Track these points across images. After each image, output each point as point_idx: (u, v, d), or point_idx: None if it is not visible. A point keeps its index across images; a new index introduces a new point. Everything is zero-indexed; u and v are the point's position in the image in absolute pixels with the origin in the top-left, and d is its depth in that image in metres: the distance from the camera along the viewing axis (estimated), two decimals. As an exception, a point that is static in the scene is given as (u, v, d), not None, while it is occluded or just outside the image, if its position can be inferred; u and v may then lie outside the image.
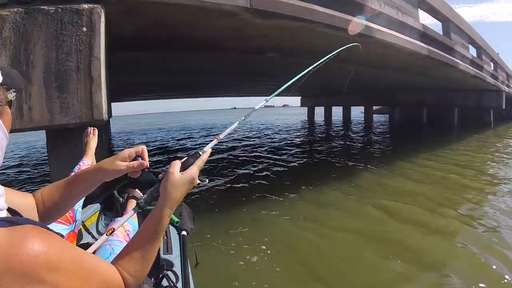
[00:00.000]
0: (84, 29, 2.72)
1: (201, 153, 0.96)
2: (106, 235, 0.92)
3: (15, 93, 0.70)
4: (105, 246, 1.54)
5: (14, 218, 0.61)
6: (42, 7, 2.66)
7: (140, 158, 0.96)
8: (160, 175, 0.93)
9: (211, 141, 1.05)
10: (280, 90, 1.38)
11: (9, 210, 0.66)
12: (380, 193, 5.39)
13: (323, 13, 4.66)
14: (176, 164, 0.90)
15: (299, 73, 1.49)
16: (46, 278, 0.52)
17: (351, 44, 2.08)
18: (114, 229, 0.92)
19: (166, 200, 0.84)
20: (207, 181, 0.99)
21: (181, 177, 0.87)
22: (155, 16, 3.77)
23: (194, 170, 0.90)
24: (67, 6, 2.70)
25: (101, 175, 0.95)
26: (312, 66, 1.55)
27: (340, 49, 1.83)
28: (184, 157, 0.97)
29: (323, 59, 1.62)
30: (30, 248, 0.51)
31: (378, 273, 2.96)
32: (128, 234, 1.72)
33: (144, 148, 0.97)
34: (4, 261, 0.48)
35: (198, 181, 0.91)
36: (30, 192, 0.97)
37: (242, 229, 3.95)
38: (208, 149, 0.99)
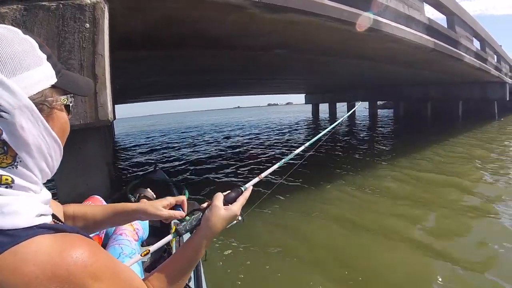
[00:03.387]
0: (87, 25, 2.58)
1: (243, 189, 1.01)
2: (141, 256, 0.95)
3: (72, 98, 0.68)
4: (115, 246, 1.58)
5: (61, 225, 0.62)
6: (42, 3, 2.51)
7: (180, 207, 1.05)
8: (203, 204, 0.96)
9: (252, 178, 1.09)
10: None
11: (52, 216, 0.67)
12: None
13: (332, 7, 4.52)
14: (220, 197, 0.94)
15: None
16: (91, 287, 0.53)
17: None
18: (149, 250, 0.96)
19: (207, 232, 0.88)
20: (242, 219, 1.00)
21: (226, 212, 0.91)
22: (161, 11, 3.63)
23: (237, 207, 0.94)
24: (69, 2, 2.55)
25: (142, 215, 1.03)
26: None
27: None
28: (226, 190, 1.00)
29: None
30: (79, 258, 0.53)
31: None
32: (136, 233, 1.74)
33: (184, 199, 1.07)
34: (52, 268, 0.49)
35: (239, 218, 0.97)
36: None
37: (254, 228, 3.93)
38: (249, 186, 1.03)
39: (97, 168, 2.87)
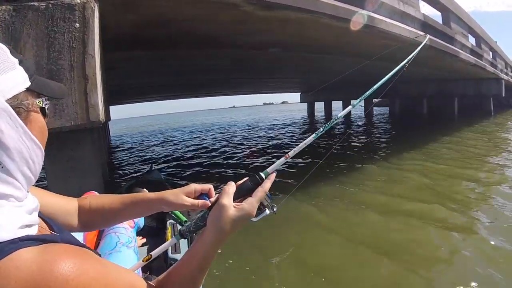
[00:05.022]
0: (77, 25, 2.54)
1: (263, 176, 0.81)
2: (143, 261, 0.86)
3: (48, 101, 0.66)
4: (111, 234, 1.57)
5: (46, 235, 0.59)
6: (32, 3, 2.48)
7: (206, 196, 0.87)
8: (211, 199, 0.83)
9: (275, 160, 0.87)
10: (363, 96, 1.30)
11: (42, 217, 0.65)
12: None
13: (327, 3, 4.50)
14: (230, 192, 0.77)
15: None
16: None
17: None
18: (151, 255, 0.86)
19: (214, 237, 0.74)
20: (275, 210, 0.79)
21: (236, 213, 0.74)
22: (153, 10, 3.59)
23: (253, 204, 0.76)
24: (59, 1, 2.51)
25: (163, 205, 0.90)
26: (396, 68, 1.50)
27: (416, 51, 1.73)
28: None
29: (404, 61, 1.57)
30: (61, 273, 0.49)
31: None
32: (133, 220, 1.72)
33: (211, 187, 0.89)
34: (33, 285, 0.46)
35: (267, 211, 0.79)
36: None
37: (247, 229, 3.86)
38: (273, 171, 0.84)
39: (91, 170, 2.83)
